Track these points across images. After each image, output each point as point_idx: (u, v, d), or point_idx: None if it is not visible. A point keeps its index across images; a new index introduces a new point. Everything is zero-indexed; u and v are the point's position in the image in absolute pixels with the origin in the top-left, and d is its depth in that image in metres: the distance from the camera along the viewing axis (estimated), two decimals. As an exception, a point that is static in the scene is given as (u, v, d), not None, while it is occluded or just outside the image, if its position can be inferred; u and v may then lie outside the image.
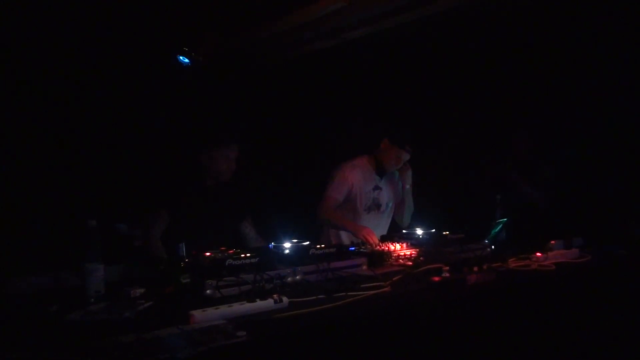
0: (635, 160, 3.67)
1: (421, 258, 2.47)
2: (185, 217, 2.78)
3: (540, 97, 4.15)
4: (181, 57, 4.19)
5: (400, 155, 3.28)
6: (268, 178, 4.51)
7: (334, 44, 4.12)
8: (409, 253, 2.56)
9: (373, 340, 1.70)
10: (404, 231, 2.98)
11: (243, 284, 1.86)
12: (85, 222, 1.87)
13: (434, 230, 2.84)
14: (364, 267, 2.35)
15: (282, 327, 1.58)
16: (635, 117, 3.68)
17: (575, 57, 3.92)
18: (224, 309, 1.62)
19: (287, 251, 2.22)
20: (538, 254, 2.56)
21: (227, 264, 1.94)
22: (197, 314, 1.56)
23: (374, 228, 3.11)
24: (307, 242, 2.28)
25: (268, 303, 1.69)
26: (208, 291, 1.81)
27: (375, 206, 3.40)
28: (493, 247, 2.71)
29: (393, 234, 2.96)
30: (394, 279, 2.12)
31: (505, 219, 2.92)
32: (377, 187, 3.40)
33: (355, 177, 3.31)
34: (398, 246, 2.63)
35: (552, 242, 2.71)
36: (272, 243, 2.30)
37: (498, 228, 2.86)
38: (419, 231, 2.82)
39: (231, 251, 2.03)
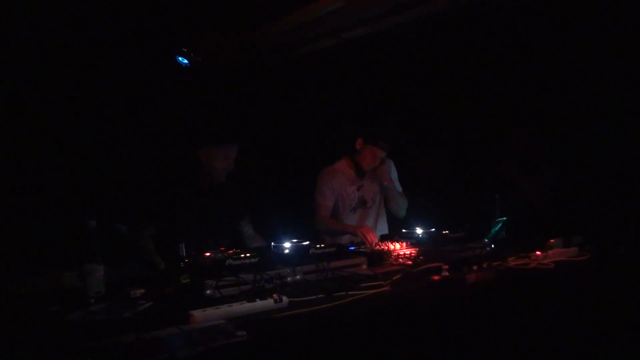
0: (634, 159, 3.67)
1: (421, 257, 2.47)
2: (183, 218, 2.78)
3: (540, 95, 4.15)
4: (180, 58, 4.20)
5: (375, 153, 3.28)
6: (267, 177, 4.51)
7: (333, 44, 4.12)
8: (408, 252, 2.56)
9: (373, 339, 1.70)
10: (403, 230, 2.98)
11: (243, 284, 1.86)
12: (85, 223, 1.87)
13: (433, 229, 2.84)
14: (364, 266, 2.35)
15: (282, 326, 1.58)
16: (635, 116, 3.67)
17: (576, 55, 3.91)
18: (224, 309, 1.62)
19: (286, 251, 2.22)
20: (537, 252, 2.56)
21: (227, 264, 1.94)
22: (197, 314, 1.56)
23: (365, 224, 3.17)
24: (307, 242, 2.27)
25: (268, 303, 1.69)
26: (208, 291, 1.82)
27: (361, 204, 3.41)
28: (492, 245, 2.70)
29: (393, 234, 2.97)
30: (394, 278, 2.12)
31: (504, 218, 2.92)
32: (360, 186, 3.41)
33: (336, 181, 3.33)
34: (397, 245, 2.63)
35: (552, 240, 2.72)
36: (272, 243, 2.30)
37: (497, 227, 2.86)
38: (419, 230, 2.82)
39: (231, 251, 2.04)
